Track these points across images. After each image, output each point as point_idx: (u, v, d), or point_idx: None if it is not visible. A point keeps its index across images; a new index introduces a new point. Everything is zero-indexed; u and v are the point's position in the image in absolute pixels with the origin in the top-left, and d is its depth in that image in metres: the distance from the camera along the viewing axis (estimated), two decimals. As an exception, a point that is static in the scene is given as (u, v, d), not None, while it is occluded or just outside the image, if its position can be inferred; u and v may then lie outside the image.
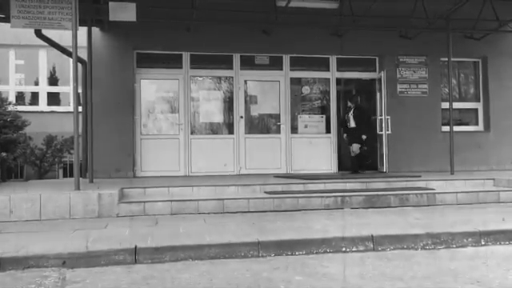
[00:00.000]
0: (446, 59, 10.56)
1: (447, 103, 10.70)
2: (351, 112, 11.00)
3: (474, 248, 5.37)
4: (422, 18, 10.46)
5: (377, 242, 5.31)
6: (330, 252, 5.18)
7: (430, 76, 11.77)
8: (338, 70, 11.68)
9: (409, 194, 7.88)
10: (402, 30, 11.17)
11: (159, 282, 4.21)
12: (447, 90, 10.90)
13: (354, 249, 5.25)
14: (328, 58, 11.66)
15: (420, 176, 9.40)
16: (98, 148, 9.55)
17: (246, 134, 11.28)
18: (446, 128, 11.07)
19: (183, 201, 7.30)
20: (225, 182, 8.50)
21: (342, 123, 11.43)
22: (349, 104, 11.27)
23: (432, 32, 10.88)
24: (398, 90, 11.65)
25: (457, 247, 5.40)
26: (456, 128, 10.83)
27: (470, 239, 5.49)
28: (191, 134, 11.12)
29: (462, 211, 7.24)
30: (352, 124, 10.95)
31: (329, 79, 11.73)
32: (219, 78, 11.50)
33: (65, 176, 12.87)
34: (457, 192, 8.14)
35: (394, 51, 11.57)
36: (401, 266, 4.61)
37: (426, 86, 11.75)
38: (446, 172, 10.27)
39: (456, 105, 11.42)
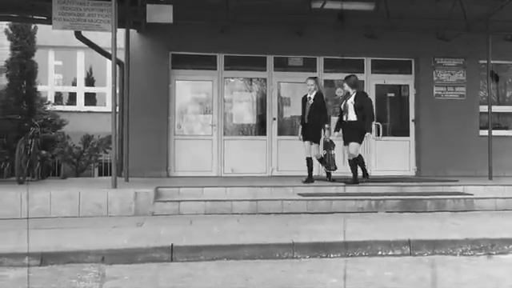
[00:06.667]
0: (485, 62, 10.31)
1: (485, 106, 10.44)
2: (351, 99, 8.48)
3: (515, 255, 5.22)
4: (460, 19, 10.23)
5: (413, 247, 5.21)
6: (365, 255, 5.12)
7: (468, 79, 11.51)
8: (372, 72, 11.56)
9: (446, 199, 7.71)
10: (440, 32, 10.95)
11: (195, 280, 4.26)
12: (486, 92, 10.64)
13: (389, 253, 5.18)
14: (363, 60, 11.56)
15: (457, 181, 9.19)
16: (132, 147, 9.71)
17: (278, 135, 11.28)
18: (483, 132, 10.80)
19: (217, 201, 7.36)
20: (258, 183, 8.52)
21: (305, 121, 8.95)
22: (345, 87, 8.69)
23: (470, 34, 10.63)
24: (435, 92, 11.45)
25: (497, 254, 5.25)
26: (494, 132, 10.53)
27: (510, 246, 5.33)
28: (224, 134, 11.19)
29: (502, 217, 7.04)
30: (351, 116, 8.45)
31: (363, 81, 11.59)
32: (252, 79, 11.56)
33: (100, 175, 13.15)
34: (496, 198, 7.92)
35: (430, 53, 11.37)
36: (439, 272, 4.52)
37: (463, 88, 11.50)
38: (483, 177, 10.00)
39: (495, 108, 11.12)
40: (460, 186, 8.71)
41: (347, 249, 5.16)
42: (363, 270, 4.55)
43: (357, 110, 8.31)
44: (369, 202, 7.55)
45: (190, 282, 4.18)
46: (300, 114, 9.87)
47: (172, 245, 4.96)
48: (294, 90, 11.55)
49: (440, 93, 11.48)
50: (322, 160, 9.01)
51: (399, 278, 4.34)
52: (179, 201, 7.30)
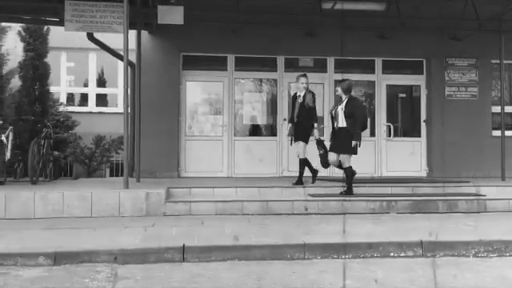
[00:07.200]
0: (498, 61, 10.21)
1: (498, 107, 10.36)
2: (342, 106, 8.00)
3: (529, 257, 5.17)
4: (472, 19, 10.15)
5: (426, 248, 5.19)
6: (377, 257, 5.10)
7: (481, 79, 11.40)
8: (383, 73, 11.50)
9: (458, 200, 7.66)
10: (451, 32, 10.88)
11: (207, 280, 4.27)
12: (498, 93, 10.54)
13: (401, 254, 5.16)
14: (373, 61, 11.50)
15: (469, 182, 9.11)
16: (144, 148, 9.75)
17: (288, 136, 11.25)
18: (496, 132, 10.71)
19: (228, 201, 7.38)
20: (268, 184, 8.52)
21: (295, 120, 8.63)
22: (338, 91, 8.19)
23: (483, 34, 10.54)
24: (446, 93, 11.36)
25: (510, 255, 5.20)
26: (507, 133, 10.42)
27: (524, 248, 5.28)
28: (234, 135, 11.20)
29: (515, 219, 6.98)
30: (341, 123, 7.96)
31: (374, 82, 11.57)
32: (263, 80, 11.56)
33: (111, 175, 13.23)
34: (509, 199, 7.85)
35: (442, 53, 11.28)
36: (452, 273, 4.49)
37: (475, 89, 11.39)
38: (496, 178, 9.91)
39: (507, 109, 11.02)
40: (472, 186, 8.65)
41: (359, 250, 5.15)
42: (375, 272, 4.54)
43: (347, 117, 7.82)
44: (380, 203, 7.53)
45: (202, 283, 4.19)
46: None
47: (184, 245, 4.98)
48: (304, 90, 11.51)
49: (452, 93, 11.38)
50: (303, 161, 8.67)
51: (412, 279, 4.31)
52: (190, 201, 7.33)
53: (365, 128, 8.09)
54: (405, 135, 11.60)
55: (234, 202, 7.37)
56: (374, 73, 11.54)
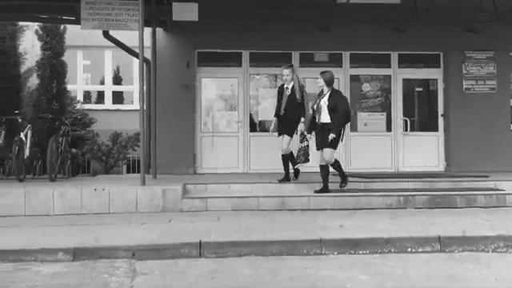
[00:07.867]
0: (517, 54, 10.06)
1: (517, 100, 10.20)
2: (325, 99, 7.61)
3: (550, 252, 5.09)
4: (490, 11, 9.98)
5: (444, 243, 5.15)
6: (394, 252, 5.07)
7: (499, 72, 11.21)
8: (399, 67, 11.38)
9: (477, 195, 7.57)
10: (469, 24, 10.71)
11: (225, 276, 4.30)
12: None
13: (419, 249, 5.12)
14: (389, 55, 11.38)
15: (488, 176, 8.98)
16: (160, 145, 9.81)
17: (304, 131, 11.22)
18: (515, 126, 10.56)
19: (244, 197, 7.40)
20: (284, 180, 8.50)
21: (281, 112, 8.26)
22: (320, 83, 7.72)
23: (501, 26, 10.36)
24: (464, 86, 11.20)
25: (531, 251, 5.14)
26: (526, 126, 10.29)
27: (545, 243, 5.20)
28: (250, 131, 11.20)
29: (535, 214, 6.88)
30: (325, 118, 7.60)
31: (390, 76, 11.46)
32: (277, 75, 11.47)
33: (128, 172, 13.34)
34: (529, 194, 7.73)
35: (459, 46, 11.11)
36: (471, 269, 4.45)
37: (494, 82, 11.20)
38: (515, 172, 9.78)
39: (526, 102, 10.86)
40: (491, 181, 8.52)
41: (376, 245, 5.12)
42: (393, 267, 4.51)
43: (330, 111, 7.44)
44: (397, 198, 7.47)
45: (219, 278, 4.22)
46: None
47: (200, 241, 5.01)
48: (319, 85, 11.46)
49: (470, 86, 11.22)
50: (291, 156, 8.35)
51: (430, 275, 4.28)
52: (207, 197, 7.37)
53: (347, 122, 7.83)
54: (422, 129, 11.48)
55: (250, 198, 7.38)
56: (389, 67, 11.43)
